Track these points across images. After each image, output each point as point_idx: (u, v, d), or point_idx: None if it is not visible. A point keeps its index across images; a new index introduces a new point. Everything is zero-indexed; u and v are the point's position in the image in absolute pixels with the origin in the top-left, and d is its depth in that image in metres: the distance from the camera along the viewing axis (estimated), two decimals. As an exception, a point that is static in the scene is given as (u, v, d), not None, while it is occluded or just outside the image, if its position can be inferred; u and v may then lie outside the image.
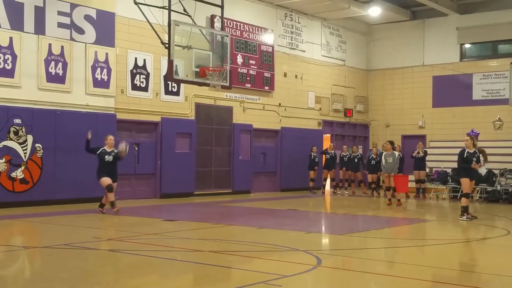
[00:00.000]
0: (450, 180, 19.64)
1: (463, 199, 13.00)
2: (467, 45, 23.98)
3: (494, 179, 18.90)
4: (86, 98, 15.75)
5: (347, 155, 21.32)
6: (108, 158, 13.18)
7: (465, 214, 12.73)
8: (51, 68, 15.00)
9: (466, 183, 12.90)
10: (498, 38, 22.65)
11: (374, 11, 22.60)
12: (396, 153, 16.85)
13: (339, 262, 8.17)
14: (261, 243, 9.42)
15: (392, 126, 25.03)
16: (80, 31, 15.63)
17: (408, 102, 24.74)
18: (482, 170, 17.10)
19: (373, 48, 25.83)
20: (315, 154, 21.11)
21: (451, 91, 23.57)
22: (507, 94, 19.36)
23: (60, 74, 15.19)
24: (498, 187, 18.72)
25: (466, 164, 12.84)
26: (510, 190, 18.42)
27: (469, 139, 13.10)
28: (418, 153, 19.84)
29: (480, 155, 13.22)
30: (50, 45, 14.97)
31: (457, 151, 21.61)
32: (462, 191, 13.79)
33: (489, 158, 20.33)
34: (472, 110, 23.08)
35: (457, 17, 23.61)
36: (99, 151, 13.22)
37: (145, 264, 7.74)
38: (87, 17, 15.77)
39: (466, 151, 12.91)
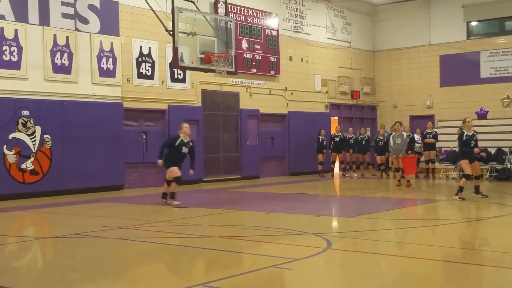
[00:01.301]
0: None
1: (463, 179, 13.06)
2: (474, 23, 23.75)
3: (504, 157, 18.82)
4: (92, 88, 15.79)
5: (354, 137, 21.28)
6: (185, 150, 12.25)
7: (459, 193, 12.72)
8: (57, 59, 15.02)
9: (466, 164, 12.88)
10: (505, 14, 22.41)
11: (379, -9, 22.41)
12: (405, 134, 16.80)
13: (349, 244, 8.19)
14: (271, 227, 9.46)
15: (399, 107, 24.92)
16: (85, 21, 15.62)
17: (415, 82, 24.59)
18: None
19: (378, 29, 25.66)
20: (323, 137, 21.08)
21: (458, 69, 23.40)
22: (515, 71, 19.24)
23: (66, 65, 15.22)
24: (508, 165, 18.65)
25: (465, 146, 12.82)
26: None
27: (471, 120, 13.19)
28: (430, 133, 19.81)
29: (476, 135, 13.19)
30: (55, 36, 14.98)
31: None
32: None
33: (498, 136, 20.28)
34: (480, 88, 22.92)
35: (462, -5, 23.38)
36: (177, 143, 12.21)
37: (156, 251, 7.80)
38: (91, 7, 15.75)
39: (465, 133, 12.85)
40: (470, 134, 12.87)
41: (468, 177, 12.87)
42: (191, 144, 12.34)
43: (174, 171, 12.23)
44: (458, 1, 23.50)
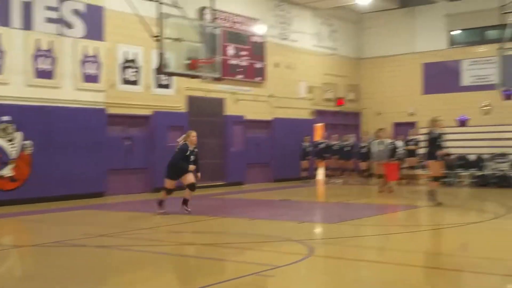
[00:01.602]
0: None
1: (432, 183, 13.10)
2: (456, 32, 24.09)
3: (483, 163, 19.09)
4: (76, 93, 15.70)
5: (338, 143, 21.39)
6: (192, 158, 12.16)
7: (432, 197, 12.83)
8: (40, 64, 14.93)
9: (434, 166, 12.93)
10: (486, 24, 22.71)
11: (364, 0, 22.58)
12: (387, 141, 16.93)
13: (331, 250, 8.23)
14: (254, 234, 9.47)
15: (383, 114, 25.08)
16: (69, 25, 15.55)
17: (398, 90, 24.80)
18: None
19: (364, 37, 25.86)
20: (307, 144, 21.16)
21: (440, 77, 23.67)
22: (495, 80, 19.47)
23: (49, 70, 15.13)
24: (487, 172, 18.91)
25: (435, 146, 12.91)
26: (498, 174, 18.59)
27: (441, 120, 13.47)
28: (412, 140, 19.97)
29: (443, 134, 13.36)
30: (38, 40, 14.89)
31: (446, 137, 21.77)
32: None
33: (478, 143, 20.57)
34: (461, 96, 23.19)
35: (445, 4, 23.69)
36: (188, 153, 12.15)
37: (137, 259, 7.77)
38: (76, 11, 15.69)
39: (432, 132, 13.03)
40: (437, 133, 13.00)
41: (437, 178, 12.91)
42: (196, 151, 12.38)
43: (189, 178, 12.13)
44: (441, 11, 23.81)
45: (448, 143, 20.51)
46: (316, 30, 23.83)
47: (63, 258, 7.91)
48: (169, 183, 12.26)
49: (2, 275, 7.06)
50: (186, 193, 12.27)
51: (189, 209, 12.16)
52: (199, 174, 12.54)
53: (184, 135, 12.51)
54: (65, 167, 15.22)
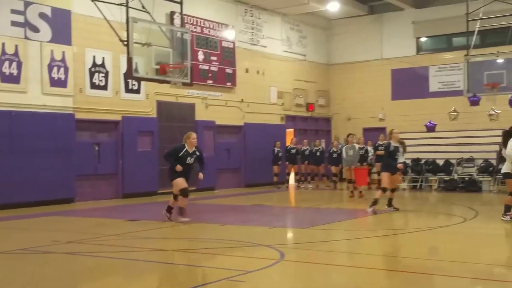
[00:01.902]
0: (409, 171, 20.00)
1: (379, 192, 12.86)
2: (423, 39, 24.51)
3: (451, 168, 19.37)
4: (43, 98, 15.43)
5: (308, 148, 21.47)
6: (190, 160, 11.47)
7: (373, 206, 12.60)
8: (5, 68, 14.62)
9: (386, 177, 12.78)
10: (452, 31, 23.16)
11: (333, 6, 22.78)
12: (357, 146, 17.07)
13: (302, 255, 8.23)
14: (225, 239, 9.41)
15: (353, 120, 25.32)
16: (35, 29, 15.28)
17: (368, 96, 25.07)
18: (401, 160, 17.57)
19: (333, 43, 26.08)
20: (279, 149, 21.20)
21: (409, 83, 24.04)
22: (461, 86, 19.84)
23: (15, 74, 14.83)
24: (455, 176, 19.21)
25: (390, 158, 12.77)
26: (466, 178, 18.89)
27: (398, 132, 13.05)
28: (381, 145, 20.08)
29: (400, 146, 13.28)
30: (3, 44, 14.59)
31: (415, 142, 22.13)
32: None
33: (446, 148, 20.85)
34: (429, 102, 23.56)
35: (413, 11, 24.10)
36: (181, 154, 11.47)
37: (106, 266, 7.65)
38: (42, 15, 15.44)
39: (392, 144, 12.81)
40: (396, 145, 12.85)
41: (385, 190, 12.76)
42: (197, 153, 11.68)
43: (180, 183, 11.38)
44: (409, 18, 24.20)
45: (417, 148, 20.99)
46: (285, 36, 23.93)
47: (31, 265, 7.73)
48: (179, 183, 11.42)
49: (-35, 284, 6.86)
50: (172, 201, 11.62)
51: (173, 218, 11.52)
52: (201, 175, 11.69)
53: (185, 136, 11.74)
54: (33, 173, 14.92)
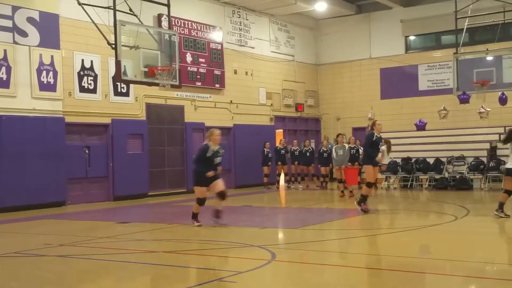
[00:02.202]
0: (400, 170, 20.10)
1: (365, 188, 12.32)
2: (412, 37, 24.63)
3: (441, 167, 19.46)
4: (32, 102, 15.40)
5: (298, 149, 21.53)
6: (218, 160, 10.81)
7: (362, 204, 12.23)
8: (-6, 73, 14.59)
9: (370, 170, 12.24)
10: (441, 29, 23.29)
11: (320, 6, 22.87)
12: (347, 146, 17.14)
13: (293, 255, 8.27)
14: (216, 240, 9.44)
15: (342, 119, 25.42)
16: (23, 34, 15.24)
17: (357, 95, 25.18)
18: (387, 161, 17.24)
19: (321, 43, 26.16)
20: (268, 150, 21.24)
21: (398, 82, 24.14)
22: (451, 84, 19.92)
23: (4, 79, 14.79)
24: (446, 175, 19.28)
25: (373, 148, 12.24)
26: (457, 177, 18.98)
27: (381, 123, 12.55)
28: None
29: (385, 145, 12.94)
30: (-8, 49, 14.56)
31: (406, 141, 22.25)
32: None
33: (436, 146, 20.97)
34: (418, 101, 23.68)
35: (401, 10, 24.20)
36: (209, 154, 10.70)
37: (98, 268, 7.65)
38: (30, 19, 15.40)
39: (375, 134, 12.26)
40: (378, 136, 12.35)
41: (370, 184, 12.31)
42: (222, 151, 11.18)
43: (200, 192, 10.76)
44: (397, 16, 24.30)
45: (407, 147, 21.10)
46: (273, 36, 23.99)
47: (24, 268, 7.73)
48: (198, 191, 10.86)
49: (-43, 290, 6.84)
50: (216, 203, 10.95)
51: (224, 222, 10.89)
52: (220, 168, 11.14)
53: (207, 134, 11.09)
54: (24, 177, 14.90)
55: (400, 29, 24.32)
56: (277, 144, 22.08)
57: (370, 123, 12.91)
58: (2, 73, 14.76)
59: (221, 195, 10.84)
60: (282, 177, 22.38)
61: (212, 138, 10.88)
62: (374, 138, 12.28)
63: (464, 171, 18.99)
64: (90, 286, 6.71)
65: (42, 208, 14.99)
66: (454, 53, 18.68)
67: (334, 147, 17.16)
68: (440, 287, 6.29)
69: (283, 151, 21.14)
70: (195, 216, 11.10)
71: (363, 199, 12.38)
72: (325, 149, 20.00)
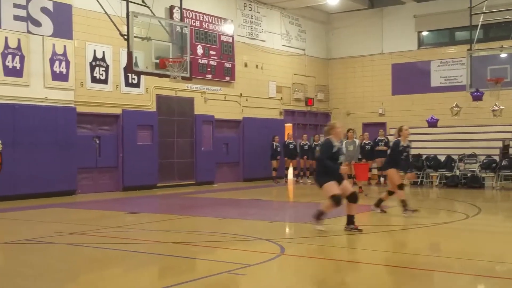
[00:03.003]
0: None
1: (401, 192, 11.52)
2: (425, 33, 24.48)
3: (453, 164, 19.34)
4: (45, 91, 15.50)
5: (308, 143, 21.53)
6: (342, 158, 9.55)
7: (407, 208, 11.45)
8: (8, 62, 14.68)
9: (395, 174, 11.58)
10: (454, 25, 23.11)
11: (332, 0, 22.77)
12: (357, 141, 17.10)
13: (302, 249, 8.29)
14: (225, 233, 9.49)
15: (353, 114, 25.35)
16: (37, 23, 15.33)
17: (368, 90, 25.09)
18: None
19: (332, 37, 26.07)
20: (277, 144, 21.25)
21: (409, 78, 24.01)
22: (464, 81, 19.77)
23: (18, 68, 14.89)
24: (457, 172, 19.14)
25: (399, 156, 11.58)
26: (468, 175, 18.83)
27: (408, 129, 11.81)
28: (381, 141, 20.09)
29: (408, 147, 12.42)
30: (6, 38, 14.65)
31: (416, 138, 22.11)
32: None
33: (448, 144, 20.85)
34: (430, 97, 23.55)
35: (414, 5, 24.04)
36: (334, 150, 9.30)
37: (108, 257, 7.72)
38: (44, 9, 15.47)
39: (401, 143, 11.60)
40: (404, 145, 11.65)
41: (402, 186, 11.57)
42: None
43: (332, 188, 9.21)
44: (410, 11, 24.15)
45: (418, 144, 20.96)
46: (284, 30, 23.94)
47: (34, 255, 7.82)
48: (331, 188, 9.19)
49: (-31, 276, 6.93)
50: (349, 208, 9.56)
51: (360, 228, 9.50)
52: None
53: (327, 128, 9.70)
54: (35, 166, 15.02)
55: (413, 25, 24.18)
56: (287, 138, 22.09)
57: (397, 129, 12.06)
58: (16, 62, 14.86)
59: (353, 198, 9.42)
60: (290, 171, 22.39)
61: (334, 132, 9.42)
62: (400, 148, 11.54)
63: (475, 169, 18.84)
64: (100, 275, 6.78)
65: (53, 197, 15.11)
66: (468, 50, 18.52)
67: (344, 142, 17.11)
68: (449, 286, 6.29)
69: (292, 145, 21.15)
70: (320, 216, 9.39)
71: (404, 205, 11.51)
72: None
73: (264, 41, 22.84)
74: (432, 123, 22.53)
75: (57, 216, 12.01)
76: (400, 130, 11.76)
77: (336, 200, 9.17)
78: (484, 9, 18.29)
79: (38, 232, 9.54)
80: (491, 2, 18.36)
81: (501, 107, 20.13)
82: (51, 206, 13.50)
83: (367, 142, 19.67)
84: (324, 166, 9.31)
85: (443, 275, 6.66)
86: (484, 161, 18.83)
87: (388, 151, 12.99)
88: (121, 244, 8.61)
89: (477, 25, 18.29)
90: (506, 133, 20.38)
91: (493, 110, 20.38)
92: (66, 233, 9.39)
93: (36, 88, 15.30)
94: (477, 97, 19.15)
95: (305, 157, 21.50)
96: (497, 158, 18.95)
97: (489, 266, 7.10)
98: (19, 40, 14.90)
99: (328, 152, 9.29)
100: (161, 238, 9.24)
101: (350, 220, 9.52)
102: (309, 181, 21.18)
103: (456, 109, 22.02)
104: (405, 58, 24.06)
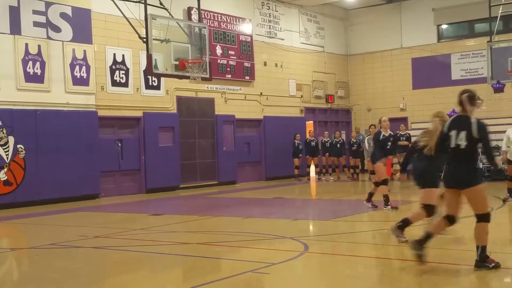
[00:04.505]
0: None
1: (383, 188, 11.66)
2: (444, 26, 24.21)
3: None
4: (66, 96, 15.66)
5: (329, 140, 21.44)
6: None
7: (388, 203, 11.60)
8: (29, 68, 14.87)
9: (382, 168, 11.86)
10: (474, 17, 22.84)
11: (351, -4, 22.65)
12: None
13: (326, 247, 8.26)
14: (248, 232, 9.49)
15: (373, 110, 25.16)
16: (57, 29, 15.49)
17: (388, 86, 24.90)
18: None
19: (351, 33, 25.93)
20: (299, 142, 21.20)
21: (430, 72, 23.76)
22: (485, 73, 19.55)
23: (39, 74, 15.07)
24: (480, 165, 18.85)
25: (381, 148, 11.87)
26: (492, 167, 18.55)
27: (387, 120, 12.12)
28: (403, 136, 19.91)
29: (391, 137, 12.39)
30: (26, 44, 14.83)
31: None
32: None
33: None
34: (451, 90, 23.19)
35: (432, -2, 23.81)
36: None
37: (133, 259, 7.78)
38: (63, 15, 15.64)
39: (382, 133, 11.88)
40: (387, 134, 11.98)
41: (385, 181, 11.71)
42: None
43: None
44: (429, 5, 23.90)
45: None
46: (303, 27, 23.87)
47: (60, 259, 7.91)
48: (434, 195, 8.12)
49: (0, 278, 7.04)
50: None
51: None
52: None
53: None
54: (58, 170, 15.18)
55: (432, 18, 23.92)
56: (308, 135, 22.03)
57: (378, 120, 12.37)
58: (37, 68, 15.04)
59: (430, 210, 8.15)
60: (312, 169, 22.32)
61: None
62: (381, 137, 11.83)
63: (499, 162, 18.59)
64: (125, 277, 6.82)
65: (77, 201, 15.27)
66: (488, 41, 18.32)
67: (366, 138, 17.01)
68: (475, 279, 6.20)
69: (313, 143, 21.09)
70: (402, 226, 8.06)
71: (386, 200, 11.67)
72: (354, 141, 19.88)
73: (283, 39, 22.80)
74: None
75: (81, 220, 12.12)
76: (379, 121, 12.18)
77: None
78: (503, 0, 18.04)
79: (63, 237, 9.65)
80: (510, -8, 18.11)
81: None
82: (75, 210, 13.64)
83: (338, 140, 19.59)
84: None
85: (467, 268, 6.56)
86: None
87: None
88: (145, 246, 8.67)
89: (497, 17, 18.05)
90: (509, 125, 20.09)
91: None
92: (91, 237, 9.47)
93: (57, 93, 15.47)
94: (499, 89, 18.93)
95: (327, 154, 21.41)
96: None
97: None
98: (39, 46, 15.08)
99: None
100: (185, 239, 9.28)
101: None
102: (332, 178, 21.09)
103: (478, 101, 21.70)
104: (425, 52, 23.82)
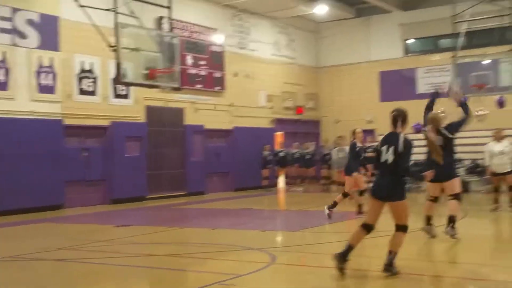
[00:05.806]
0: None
1: (339, 197, 12.48)
2: (411, 41, 24.69)
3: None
4: (31, 104, 15.36)
5: (298, 151, 21.53)
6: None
7: (331, 209, 12.12)
8: (-7, 75, 14.58)
9: (351, 181, 12.44)
10: (439, 33, 23.33)
11: (320, 9, 22.85)
12: (346, 148, 17.10)
13: (293, 258, 8.26)
14: (216, 243, 9.43)
15: (342, 122, 25.35)
16: (23, 35, 15.23)
17: (356, 98, 25.19)
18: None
19: (321, 46, 26.18)
20: (268, 152, 21.23)
21: (397, 85, 24.16)
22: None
23: (3, 81, 14.76)
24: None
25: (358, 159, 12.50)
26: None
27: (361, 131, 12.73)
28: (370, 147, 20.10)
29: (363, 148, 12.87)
30: (-9, 51, 14.54)
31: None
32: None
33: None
34: (417, 104, 23.46)
35: (400, 14, 24.26)
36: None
37: (97, 272, 7.63)
38: (30, 21, 15.38)
39: (357, 144, 12.54)
40: (360, 146, 12.57)
41: (346, 195, 12.23)
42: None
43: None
44: (396, 20, 24.36)
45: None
46: (274, 39, 24.00)
47: (22, 272, 7.70)
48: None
49: (-45, 293, 6.82)
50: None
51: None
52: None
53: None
54: (22, 180, 14.84)
55: (399, 33, 24.38)
56: (277, 146, 22.10)
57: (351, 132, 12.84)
58: (1, 75, 14.74)
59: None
60: (281, 180, 22.37)
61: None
62: (357, 148, 12.36)
63: (462, 174, 18.98)
64: (89, 289, 6.69)
65: (40, 211, 14.91)
66: (452, 57, 18.71)
67: (334, 150, 17.15)
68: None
69: (282, 154, 21.14)
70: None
71: (333, 206, 12.12)
72: (327, 152, 20.07)
73: (254, 50, 22.86)
74: (418, 129, 22.60)
75: (44, 231, 11.87)
76: (353, 133, 12.60)
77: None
78: (467, 17, 18.47)
79: (25, 249, 9.39)
80: (474, 10, 18.56)
81: (485, 112, 20.28)
82: (38, 221, 13.32)
83: (307, 151, 19.85)
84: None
85: (430, 279, 6.67)
86: (470, 165, 19.02)
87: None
88: (110, 258, 8.52)
89: (461, 33, 18.49)
90: (490, 137, 20.52)
91: (477, 115, 20.52)
92: (54, 249, 9.25)
93: (21, 101, 15.16)
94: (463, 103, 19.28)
95: (296, 165, 21.49)
96: (482, 162, 19.11)
97: (476, 269, 7.08)
98: (4, 53, 14.79)
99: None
100: (151, 251, 9.16)
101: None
102: (300, 189, 21.15)
103: (442, 115, 22.13)
104: (392, 66, 24.22)
